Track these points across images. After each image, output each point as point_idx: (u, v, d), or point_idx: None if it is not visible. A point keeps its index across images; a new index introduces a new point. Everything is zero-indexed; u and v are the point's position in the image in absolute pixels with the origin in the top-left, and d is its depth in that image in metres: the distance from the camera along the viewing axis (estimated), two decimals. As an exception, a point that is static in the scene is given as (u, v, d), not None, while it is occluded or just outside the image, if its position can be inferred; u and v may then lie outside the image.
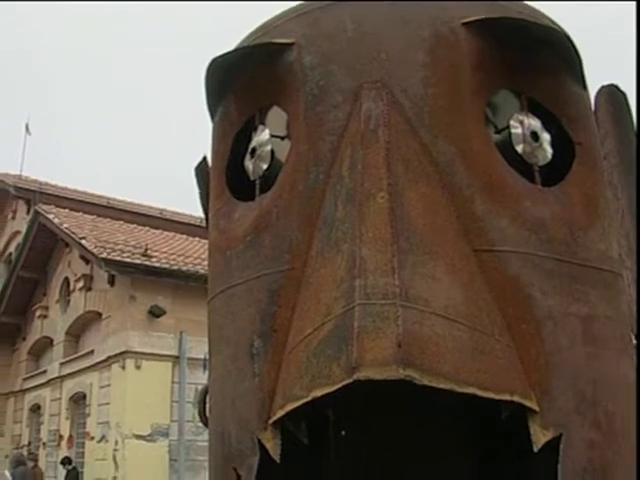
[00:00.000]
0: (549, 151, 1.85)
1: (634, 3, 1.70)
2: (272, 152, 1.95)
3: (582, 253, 1.71)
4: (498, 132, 1.88)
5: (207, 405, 2.08)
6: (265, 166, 1.95)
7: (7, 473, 16.23)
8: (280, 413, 1.58)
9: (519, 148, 1.81)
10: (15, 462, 16.34)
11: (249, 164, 1.99)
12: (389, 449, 2.12)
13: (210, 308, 1.97)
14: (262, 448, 1.64)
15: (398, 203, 1.58)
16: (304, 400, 1.50)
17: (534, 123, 1.84)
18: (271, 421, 1.62)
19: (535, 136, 1.83)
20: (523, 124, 1.83)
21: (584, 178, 1.81)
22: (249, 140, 1.99)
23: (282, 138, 1.95)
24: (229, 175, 2.02)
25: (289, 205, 1.75)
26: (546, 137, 1.85)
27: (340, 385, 1.43)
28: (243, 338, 1.74)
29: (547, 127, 1.86)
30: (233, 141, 2.02)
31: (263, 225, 1.79)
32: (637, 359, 1.82)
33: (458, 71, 1.73)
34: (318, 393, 1.46)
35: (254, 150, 1.97)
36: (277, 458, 1.61)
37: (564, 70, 1.83)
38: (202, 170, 2.37)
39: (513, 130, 1.83)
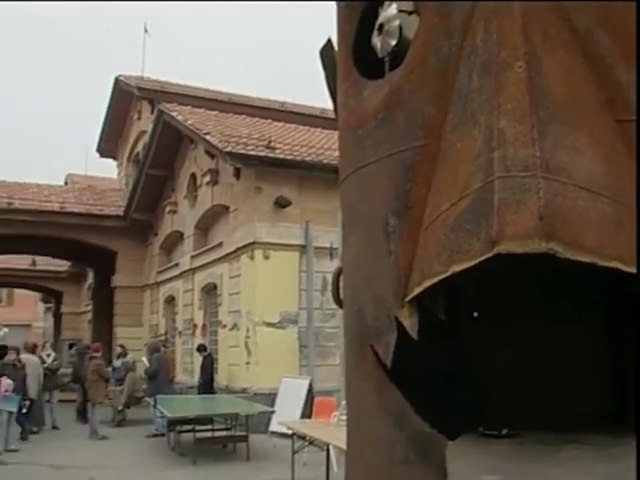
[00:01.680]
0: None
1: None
2: (400, 28, 1.90)
3: None
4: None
5: (341, 286, 2.11)
6: (394, 42, 1.89)
7: (144, 359, 17.26)
8: (417, 290, 1.58)
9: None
10: (151, 349, 17.43)
11: (377, 41, 1.94)
12: (519, 339, 2.10)
13: (343, 188, 1.97)
14: (399, 326, 1.66)
15: (536, 72, 1.50)
16: (443, 275, 1.49)
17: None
18: (408, 298, 1.62)
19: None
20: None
21: None
22: (375, 18, 1.94)
23: (409, 13, 1.88)
24: (356, 55, 1.99)
25: (421, 80, 1.70)
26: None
27: (480, 259, 1.41)
28: (377, 216, 1.73)
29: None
30: (359, 20, 1.98)
31: (394, 102, 1.75)
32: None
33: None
34: (457, 268, 1.45)
35: (381, 26, 1.92)
36: (415, 335, 1.61)
37: None
38: (327, 52, 2.33)
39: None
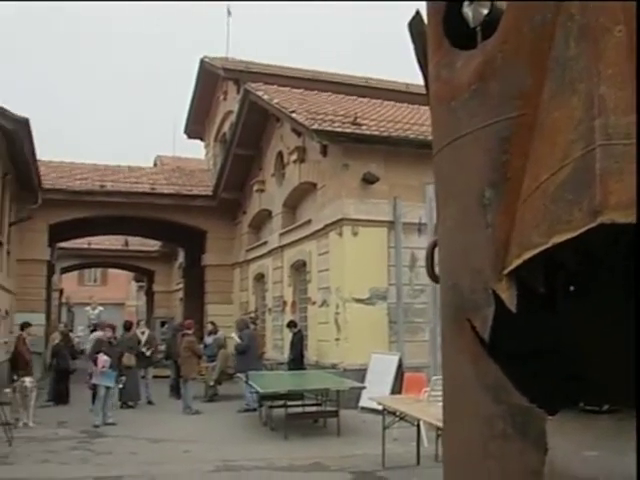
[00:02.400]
0: None
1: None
2: (491, -4, 1.87)
3: None
4: None
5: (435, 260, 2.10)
6: (485, 11, 1.86)
7: (235, 335, 17.55)
8: (516, 262, 1.56)
9: None
10: (241, 326, 17.70)
11: (468, 11, 1.91)
12: (617, 313, 2.05)
13: (436, 161, 1.95)
14: (496, 299, 1.64)
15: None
16: (543, 247, 1.47)
17: None
18: (506, 271, 1.61)
19: None
20: None
21: None
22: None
23: (501, -19, 1.85)
24: (447, 25, 1.96)
25: (515, 49, 1.66)
26: None
27: (582, 230, 1.38)
28: (473, 189, 1.71)
29: None
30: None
31: (489, 72, 1.72)
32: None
33: None
34: (558, 239, 1.42)
35: (472, -4, 1.90)
36: (513, 308, 1.60)
37: None
38: (416, 25, 2.31)
39: None
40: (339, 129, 16.17)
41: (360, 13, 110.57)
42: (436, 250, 2.04)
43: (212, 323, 20.34)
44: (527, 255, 1.51)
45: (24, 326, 15.10)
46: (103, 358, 14.03)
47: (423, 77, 2.26)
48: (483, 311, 1.68)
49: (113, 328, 15.13)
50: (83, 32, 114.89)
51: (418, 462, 9.82)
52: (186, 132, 34.72)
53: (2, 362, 16.24)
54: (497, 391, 1.68)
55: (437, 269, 2.06)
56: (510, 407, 1.65)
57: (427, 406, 9.54)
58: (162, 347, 21.23)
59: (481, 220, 1.68)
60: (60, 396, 16.90)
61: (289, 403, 12.86)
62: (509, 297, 1.60)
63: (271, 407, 13.47)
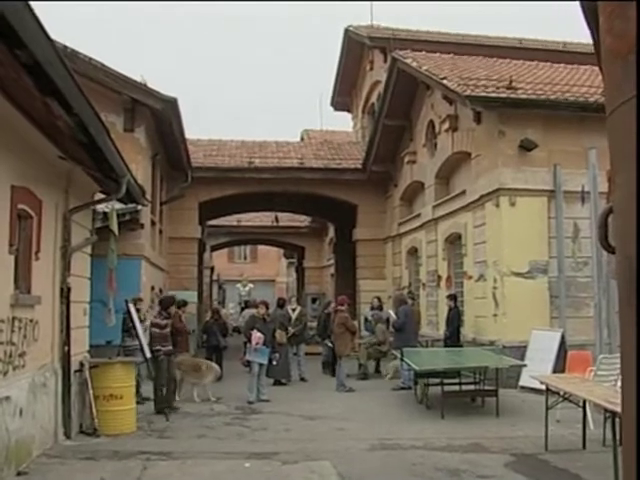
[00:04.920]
0: None
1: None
2: None
3: None
4: None
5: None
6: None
7: (391, 312, 17.58)
8: None
9: None
10: (398, 301, 17.70)
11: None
12: None
13: (610, 122, 1.85)
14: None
15: None
16: None
17: None
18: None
19: None
20: None
21: None
22: None
23: None
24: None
25: None
26: None
27: None
28: (655, 151, 1.62)
29: None
30: None
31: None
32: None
33: None
34: None
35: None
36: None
37: None
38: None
39: None
40: (493, 94, 15.83)
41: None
42: (610, 218, 1.95)
43: (378, 298, 20.38)
44: None
45: (180, 305, 15.72)
46: (257, 335, 14.44)
47: (591, 32, 2.15)
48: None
49: (267, 305, 15.53)
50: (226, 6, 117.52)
51: (584, 446, 9.55)
52: (333, 104, 35.03)
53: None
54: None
55: (611, 239, 1.96)
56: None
57: (593, 386, 9.26)
58: (313, 324, 21.64)
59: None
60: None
61: (446, 381, 12.82)
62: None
63: (427, 385, 13.47)
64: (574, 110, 15.12)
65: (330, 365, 18.24)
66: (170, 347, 13.32)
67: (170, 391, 13.18)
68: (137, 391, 13.14)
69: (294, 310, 18.83)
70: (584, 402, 9.28)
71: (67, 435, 10.14)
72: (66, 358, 10.21)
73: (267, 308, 15.44)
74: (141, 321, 14.20)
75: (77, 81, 6.87)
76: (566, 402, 9.74)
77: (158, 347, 12.97)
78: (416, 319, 18.09)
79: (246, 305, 26.17)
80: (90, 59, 16.57)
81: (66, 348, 10.19)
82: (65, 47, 14.97)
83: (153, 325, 13.36)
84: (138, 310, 14.38)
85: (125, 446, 9.97)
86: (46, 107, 7.21)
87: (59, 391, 9.97)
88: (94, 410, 10.67)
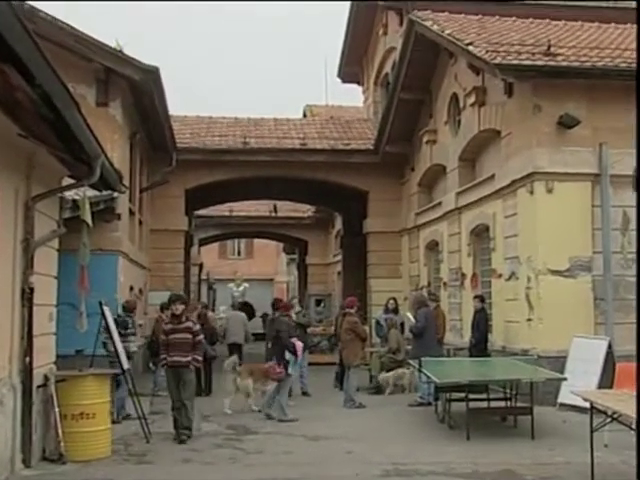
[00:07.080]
0: None
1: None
2: None
3: None
4: None
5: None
6: None
7: (409, 314, 17.45)
8: None
9: None
10: (417, 303, 17.53)
11: None
12: None
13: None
14: None
15: None
16: None
17: None
18: None
19: None
20: None
21: None
22: None
23: None
24: None
25: None
26: None
27: None
28: None
29: None
30: None
31: None
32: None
33: None
34: None
35: None
36: None
37: None
38: None
39: None
40: (528, 62, 15.64)
41: None
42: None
43: (394, 300, 20.21)
44: None
45: (164, 307, 15.56)
46: (299, 344, 14.43)
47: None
48: None
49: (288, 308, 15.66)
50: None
51: (638, 477, 9.38)
52: (340, 76, 34.92)
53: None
54: None
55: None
56: None
57: (648, 404, 9.10)
58: (317, 329, 21.50)
59: None
60: (200, 387, 17.17)
61: (471, 396, 12.71)
62: None
63: (449, 401, 13.35)
64: (625, 79, 14.79)
65: (340, 377, 18.01)
66: (177, 357, 12.42)
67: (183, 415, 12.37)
68: (122, 406, 13.33)
69: (297, 313, 18.59)
70: (638, 423, 9.12)
71: (26, 463, 9.89)
72: (27, 371, 10.00)
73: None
74: (132, 334, 14.18)
75: (39, 45, 6.68)
76: (615, 423, 9.55)
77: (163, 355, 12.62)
78: (440, 323, 17.85)
79: (241, 307, 25.96)
80: (54, 19, 16.38)
81: (27, 359, 9.98)
82: (22, 3, 14.65)
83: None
84: (129, 318, 14.37)
85: (96, 474, 9.81)
86: (2, 76, 7.03)
87: (18, 410, 9.74)
88: (60, 432, 10.45)
